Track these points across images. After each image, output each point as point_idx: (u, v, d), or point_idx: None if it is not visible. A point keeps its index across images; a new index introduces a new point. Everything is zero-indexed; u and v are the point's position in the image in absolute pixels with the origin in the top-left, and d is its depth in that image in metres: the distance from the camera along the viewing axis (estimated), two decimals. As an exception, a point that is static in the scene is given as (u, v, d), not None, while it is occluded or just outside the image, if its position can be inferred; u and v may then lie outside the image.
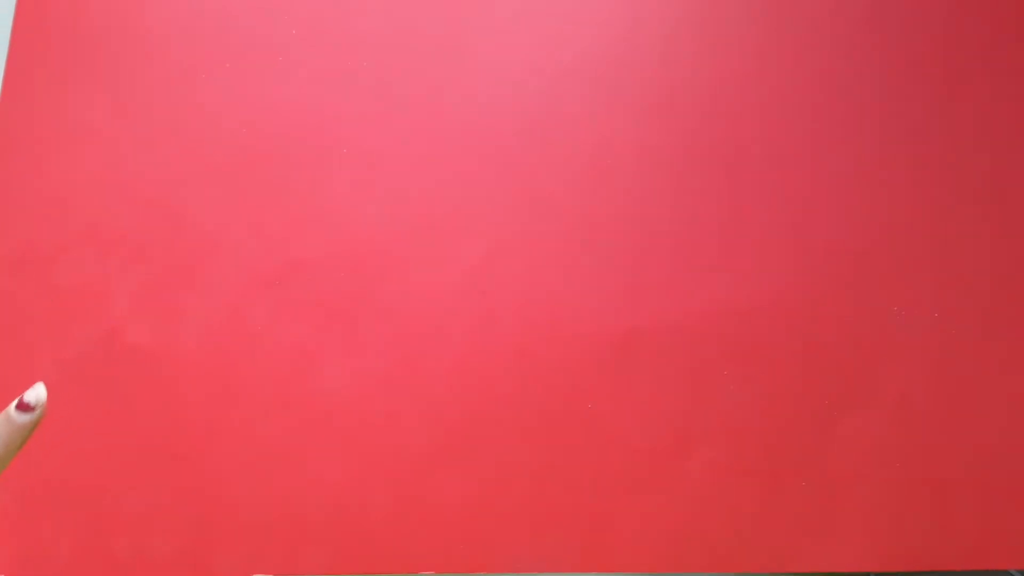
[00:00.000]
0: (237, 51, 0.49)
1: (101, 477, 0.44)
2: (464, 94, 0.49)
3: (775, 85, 0.49)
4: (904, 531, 0.44)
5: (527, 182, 0.48)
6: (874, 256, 0.47)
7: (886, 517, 0.44)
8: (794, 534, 0.44)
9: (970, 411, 0.45)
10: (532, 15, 0.50)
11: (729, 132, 0.48)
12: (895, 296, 0.46)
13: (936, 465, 0.45)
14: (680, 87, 0.49)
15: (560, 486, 0.44)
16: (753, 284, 0.46)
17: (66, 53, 0.49)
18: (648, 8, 0.50)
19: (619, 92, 0.49)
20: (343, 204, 0.47)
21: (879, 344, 0.46)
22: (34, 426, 0.28)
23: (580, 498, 0.44)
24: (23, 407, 0.28)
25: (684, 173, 0.48)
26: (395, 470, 0.44)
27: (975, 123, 0.48)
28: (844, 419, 0.45)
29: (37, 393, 0.29)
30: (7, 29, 0.50)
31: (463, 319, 0.46)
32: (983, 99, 0.49)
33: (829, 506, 0.44)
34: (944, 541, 0.44)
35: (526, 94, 0.49)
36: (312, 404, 0.45)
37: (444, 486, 0.44)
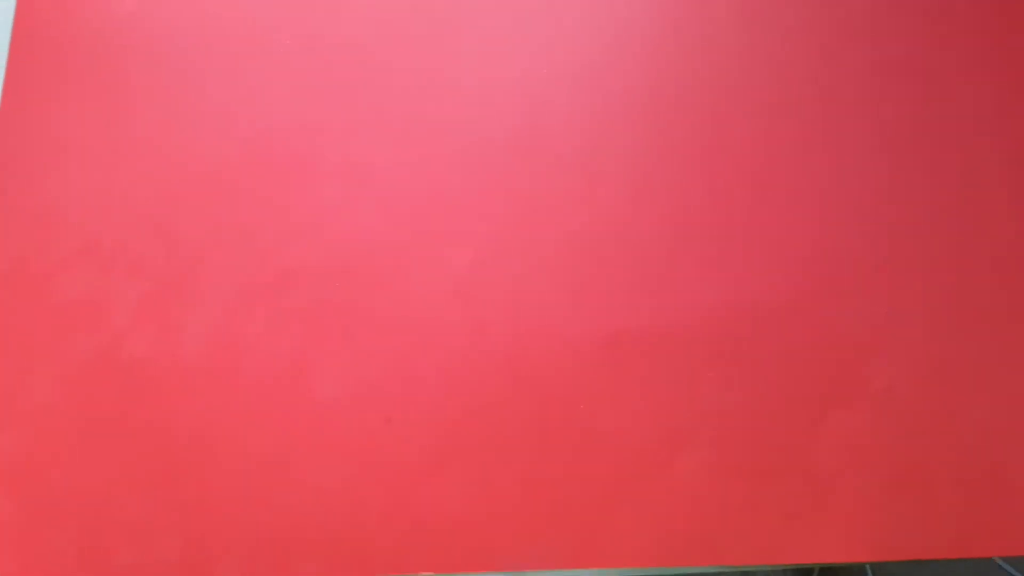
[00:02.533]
0: (227, 62, 0.50)
1: (101, 486, 0.44)
2: (451, 101, 0.50)
3: (762, 87, 0.50)
4: (891, 521, 0.45)
5: (514, 187, 0.49)
6: (858, 253, 0.48)
7: (873, 508, 0.45)
8: (784, 527, 0.44)
9: (954, 404, 0.46)
10: (518, 21, 0.51)
11: (716, 134, 0.50)
12: (879, 292, 0.47)
13: (921, 457, 0.45)
14: (667, 90, 0.50)
15: (552, 486, 0.45)
16: (739, 285, 0.47)
17: (60, 68, 0.50)
18: (637, 10, 0.51)
19: (605, 95, 0.50)
20: (333, 213, 0.48)
21: (863, 341, 0.47)
22: None
23: (572, 497, 0.45)
24: None
25: (670, 176, 0.49)
26: (390, 474, 0.45)
27: (962, 120, 0.50)
28: (830, 415, 0.46)
29: None
30: (5, 45, 0.51)
31: (453, 324, 0.47)
32: (971, 99, 0.50)
33: (817, 499, 0.45)
34: (930, 531, 0.44)
35: (513, 99, 0.50)
36: (306, 411, 0.45)
37: (438, 489, 0.45)
